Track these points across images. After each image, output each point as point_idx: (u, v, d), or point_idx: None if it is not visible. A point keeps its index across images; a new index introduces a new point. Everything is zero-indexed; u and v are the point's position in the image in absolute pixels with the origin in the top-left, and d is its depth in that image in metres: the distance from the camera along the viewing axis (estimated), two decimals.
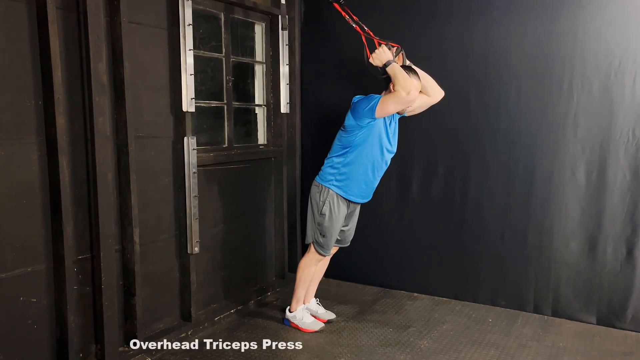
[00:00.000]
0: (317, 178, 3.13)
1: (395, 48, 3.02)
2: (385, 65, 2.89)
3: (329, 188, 3.06)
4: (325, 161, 3.13)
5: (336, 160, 3.06)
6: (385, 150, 3.05)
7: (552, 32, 3.27)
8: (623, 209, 3.20)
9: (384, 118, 2.99)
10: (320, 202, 3.09)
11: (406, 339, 3.15)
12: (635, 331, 3.22)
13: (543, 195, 3.40)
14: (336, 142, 3.09)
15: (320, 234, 3.13)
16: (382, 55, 2.92)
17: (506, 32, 3.39)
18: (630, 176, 3.17)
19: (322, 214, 3.09)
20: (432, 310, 3.60)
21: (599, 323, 3.32)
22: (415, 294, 3.89)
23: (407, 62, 3.06)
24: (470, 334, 3.22)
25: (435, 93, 3.12)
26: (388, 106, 2.89)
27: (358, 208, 3.26)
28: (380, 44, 3.00)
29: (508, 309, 3.58)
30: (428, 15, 3.57)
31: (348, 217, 3.21)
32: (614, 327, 3.27)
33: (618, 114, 3.16)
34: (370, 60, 2.97)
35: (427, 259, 3.82)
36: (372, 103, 2.90)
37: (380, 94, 2.99)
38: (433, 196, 3.74)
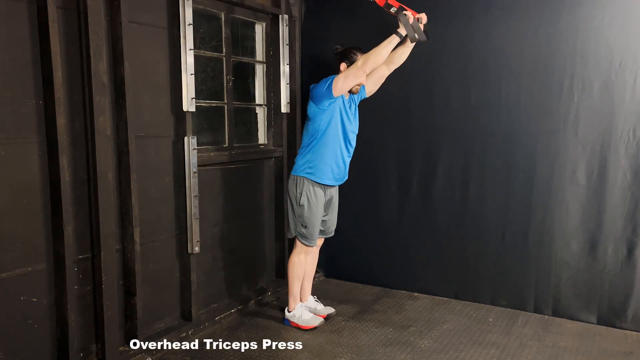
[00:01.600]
0: (292, 171, 3.22)
1: (420, 17, 3.02)
2: (394, 33, 2.97)
3: (303, 177, 3.14)
4: (298, 152, 3.23)
5: (305, 150, 3.16)
6: (349, 131, 3.17)
7: (552, 32, 3.27)
8: (623, 208, 3.20)
9: (343, 100, 3.10)
10: (298, 194, 3.16)
11: (406, 339, 3.15)
12: (636, 331, 3.22)
13: (543, 195, 3.40)
14: (304, 134, 3.21)
15: (302, 225, 3.19)
16: (404, 19, 2.98)
17: (506, 32, 3.39)
18: (631, 176, 3.17)
19: (300, 205, 3.16)
20: (433, 309, 3.60)
21: (599, 323, 3.32)
22: (416, 294, 3.89)
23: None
24: (471, 334, 3.22)
25: (393, 68, 3.22)
26: (339, 80, 3.01)
27: (336, 196, 3.33)
28: (398, 16, 3.00)
29: (508, 309, 3.58)
30: (428, 15, 3.56)
31: (327, 206, 3.27)
32: (615, 326, 3.27)
33: (618, 113, 3.16)
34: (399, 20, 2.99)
35: (427, 258, 3.82)
36: (328, 83, 3.05)
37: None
38: (433, 196, 3.74)
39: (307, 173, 3.14)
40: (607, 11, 3.13)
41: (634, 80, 3.10)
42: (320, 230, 3.30)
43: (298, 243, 3.27)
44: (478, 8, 3.46)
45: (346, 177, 3.28)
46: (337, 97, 3.06)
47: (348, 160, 3.23)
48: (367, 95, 3.32)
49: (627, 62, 3.11)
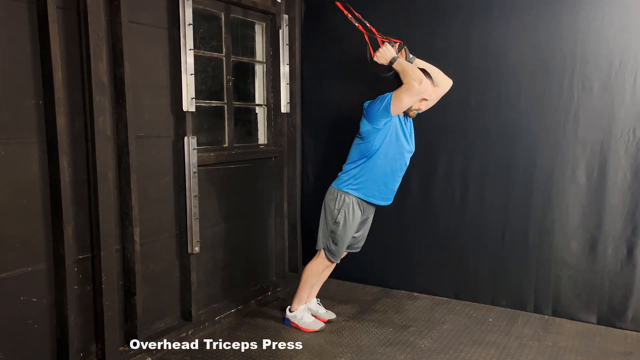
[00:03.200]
0: (334, 183, 3.09)
1: (397, 44, 3.01)
2: (391, 62, 2.90)
3: (346, 193, 3.02)
4: (343, 167, 3.09)
5: (353, 166, 3.02)
6: (405, 151, 3.03)
7: (552, 32, 3.27)
8: (623, 208, 3.20)
9: (399, 118, 2.97)
10: (335, 211, 3.05)
11: (406, 339, 3.15)
12: (636, 331, 3.22)
13: (543, 195, 3.40)
14: (353, 150, 3.05)
15: (333, 241, 3.10)
16: (386, 53, 2.93)
17: (507, 32, 3.39)
18: (631, 176, 3.16)
19: (336, 223, 3.06)
20: (433, 309, 3.60)
21: (599, 323, 3.32)
22: (416, 294, 3.89)
23: (411, 56, 3.06)
24: (471, 334, 3.22)
25: (443, 82, 3.10)
26: (403, 100, 2.84)
27: (372, 215, 3.24)
28: (383, 42, 3.00)
29: (508, 309, 3.58)
30: (428, 14, 3.57)
31: (361, 223, 3.18)
32: (615, 326, 3.27)
33: (618, 113, 3.16)
34: (375, 58, 2.97)
35: (427, 258, 3.82)
36: (385, 101, 2.87)
37: (384, 93, 2.97)
38: (433, 196, 3.74)
39: (352, 189, 3.01)
40: (607, 11, 3.13)
41: (634, 80, 3.10)
42: (348, 245, 3.21)
43: (322, 255, 3.17)
44: (478, 8, 3.46)
45: (391, 201, 3.15)
46: (394, 115, 2.91)
47: (398, 181, 3.09)
48: (421, 111, 3.10)
49: (627, 62, 3.11)
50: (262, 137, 3.98)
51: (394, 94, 2.86)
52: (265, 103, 3.93)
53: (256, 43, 3.86)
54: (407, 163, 3.09)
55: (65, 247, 2.49)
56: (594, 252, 3.31)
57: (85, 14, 2.51)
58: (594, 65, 3.19)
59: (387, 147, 2.96)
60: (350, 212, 3.04)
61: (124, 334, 2.91)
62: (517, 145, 3.44)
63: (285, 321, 3.34)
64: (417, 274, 3.88)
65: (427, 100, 3.01)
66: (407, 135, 3.05)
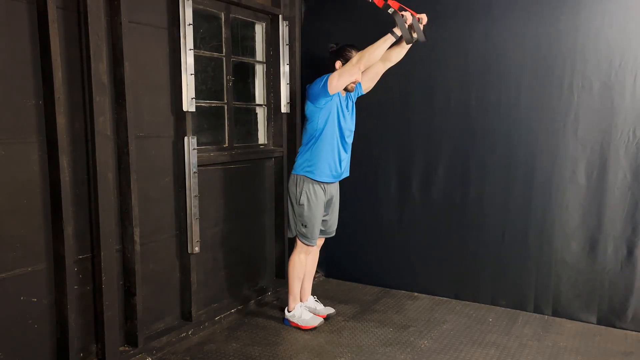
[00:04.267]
0: (292, 171, 3.23)
1: (418, 17, 2.98)
2: (393, 14, 2.92)
3: (303, 176, 3.15)
4: (298, 151, 3.24)
5: (304, 149, 3.17)
6: (345, 129, 3.18)
7: (552, 32, 3.27)
8: (623, 208, 3.20)
9: (339, 99, 3.12)
10: (298, 193, 3.17)
11: (406, 339, 3.15)
12: (636, 331, 3.22)
13: (543, 195, 3.40)
14: (303, 135, 3.22)
15: (302, 224, 3.19)
16: (400, 20, 2.94)
17: (507, 32, 3.39)
18: (631, 176, 3.16)
19: (300, 204, 3.16)
20: (433, 309, 3.60)
21: (599, 323, 3.32)
22: (416, 294, 3.89)
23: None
24: (471, 334, 3.22)
25: (389, 65, 3.19)
26: (334, 78, 3.01)
27: (337, 196, 3.33)
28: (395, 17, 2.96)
29: (508, 309, 3.58)
30: (428, 14, 3.56)
31: (327, 205, 3.27)
32: (615, 326, 3.27)
33: (619, 113, 3.16)
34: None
35: (427, 258, 3.82)
36: (323, 81, 3.05)
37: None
38: (433, 196, 3.74)
39: (306, 171, 3.15)
40: (607, 11, 3.13)
41: (634, 80, 3.10)
42: (321, 230, 3.30)
43: (298, 242, 3.27)
44: (478, 8, 3.46)
45: (345, 174, 3.28)
46: (334, 95, 3.06)
47: (346, 157, 3.24)
48: (363, 92, 3.31)
49: (627, 62, 3.11)
50: (262, 137, 3.98)
51: (330, 75, 3.04)
52: (265, 103, 3.93)
53: (256, 43, 3.87)
54: (350, 141, 3.24)
55: (65, 247, 2.49)
56: (594, 252, 3.31)
57: (85, 14, 2.51)
58: (594, 65, 3.19)
59: (332, 126, 3.12)
60: (311, 192, 3.15)
61: (124, 334, 2.90)
62: (517, 146, 3.44)
63: (285, 321, 3.34)
64: (417, 274, 3.88)
65: (358, 81, 3.13)
66: (348, 114, 3.21)
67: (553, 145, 3.34)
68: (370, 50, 2.92)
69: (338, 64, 3.13)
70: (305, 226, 3.19)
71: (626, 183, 3.18)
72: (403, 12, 2.94)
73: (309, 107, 3.13)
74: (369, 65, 3.03)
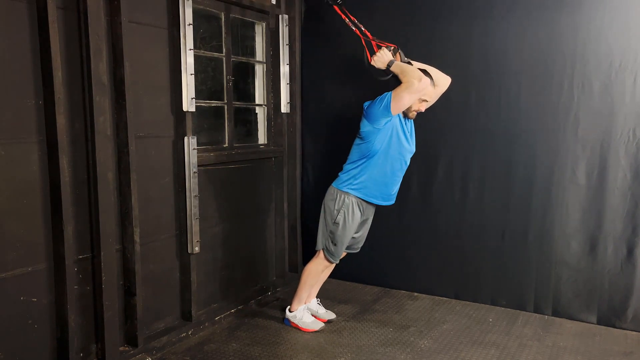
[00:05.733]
0: (334, 183, 3.08)
1: (392, 48, 3.03)
2: (389, 65, 2.92)
3: (345, 194, 3.01)
4: (344, 167, 3.09)
5: (354, 166, 3.02)
6: (405, 151, 3.02)
7: (552, 32, 3.27)
8: (624, 208, 3.20)
9: (399, 118, 2.97)
10: (335, 211, 3.04)
11: (406, 339, 3.15)
12: (636, 331, 3.22)
13: (543, 195, 3.40)
14: (354, 150, 3.04)
15: (332, 242, 3.10)
16: (383, 57, 2.96)
17: (507, 32, 3.39)
18: (631, 176, 3.17)
19: (335, 223, 3.05)
20: (433, 309, 3.60)
21: (599, 323, 3.32)
22: (416, 294, 3.89)
23: (406, 59, 3.07)
24: (471, 334, 3.22)
25: (441, 81, 3.09)
26: (403, 98, 2.84)
27: (372, 216, 3.23)
28: (379, 47, 3.02)
29: (508, 309, 3.58)
30: (428, 15, 3.57)
31: (361, 224, 3.18)
32: (615, 326, 3.27)
33: (618, 113, 3.16)
34: (372, 63, 3.00)
35: (427, 258, 3.82)
36: (385, 101, 2.86)
37: (384, 93, 2.97)
38: (433, 196, 3.74)
39: (352, 189, 3.00)
40: (607, 11, 3.13)
41: (634, 80, 3.10)
42: (347, 246, 3.20)
43: (321, 255, 3.17)
44: (478, 8, 3.46)
45: (393, 201, 3.15)
46: (395, 115, 2.90)
47: (398, 181, 3.09)
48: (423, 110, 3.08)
49: (627, 62, 3.11)
50: (262, 137, 3.98)
51: (394, 92, 2.86)
52: (265, 103, 3.93)
53: (256, 43, 3.86)
54: (408, 163, 3.09)
55: (65, 247, 2.49)
56: (594, 252, 3.31)
57: (85, 14, 2.51)
58: (594, 65, 3.19)
59: (388, 147, 2.96)
60: (349, 213, 3.03)
61: (124, 334, 2.90)
62: (517, 145, 3.44)
63: (285, 321, 3.34)
64: (417, 274, 3.88)
65: (426, 101, 3.01)
66: (408, 135, 3.04)
67: (553, 145, 3.34)
68: (410, 74, 2.81)
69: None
70: (335, 245, 3.09)
71: (626, 183, 3.18)
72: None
73: (366, 126, 2.93)
74: (428, 78, 2.89)
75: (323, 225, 3.12)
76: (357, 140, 3.04)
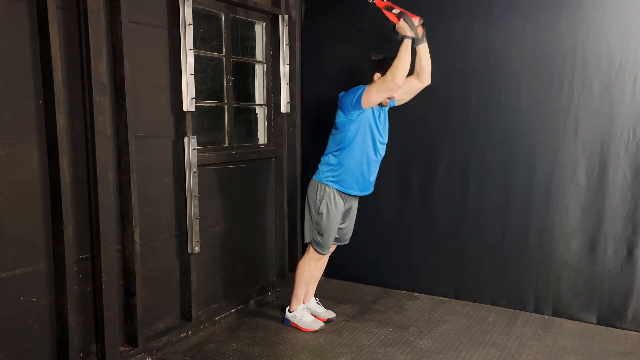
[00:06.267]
0: (314, 176, 3.16)
1: (419, 19, 3.00)
2: (404, 37, 2.92)
3: (325, 185, 3.09)
4: (322, 159, 3.16)
5: (331, 157, 3.10)
6: (377, 142, 3.10)
7: (552, 32, 3.27)
8: (624, 208, 3.20)
9: (372, 110, 3.04)
10: (317, 201, 3.11)
11: (406, 339, 3.15)
12: (636, 331, 3.22)
13: (543, 195, 3.40)
14: (330, 141, 3.13)
15: (319, 233, 3.15)
16: (406, 30, 2.94)
17: (507, 32, 3.39)
18: (631, 176, 3.17)
19: (319, 213, 3.11)
20: (433, 309, 3.60)
21: (599, 323, 3.32)
22: (416, 294, 3.89)
23: (424, 39, 3.04)
24: (471, 334, 3.22)
25: (426, 79, 3.14)
26: (372, 94, 2.94)
27: (355, 205, 3.27)
28: (401, 14, 2.97)
29: (508, 309, 3.58)
30: (428, 15, 3.56)
31: (345, 214, 3.22)
32: (615, 326, 3.27)
33: (618, 113, 3.16)
34: (397, 27, 2.98)
35: (427, 258, 3.82)
36: (357, 94, 2.96)
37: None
38: (433, 196, 3.74)
39: (331, 181, 3.07)
40: (607, 11, 3.13)
41: (634, 80, 3.10)
42: (335, 238, 3.25)
43: (311, 249, 3.23)
44: (478, 8, 3.46)
45: (371, 190, 3.21)
46: (366, 108, 2.98)
47: (375, 171, 3.15)
48: (396, 104, 3.21)
49: (627, 62, 3.11)
50: (262, 137, 3.98)
51: (367, 88, 2.95)
52: (265, 103, 3.93)
53: (256, 43, 3.86)
54: (383, 154, 3.15)
55: (65, 247, 2.49)
56: (594, 252, 3.31)
57: (85, 14, 2.51)
58: (594, 65, 3.19)
59: (362, 137, 3.03)
60: (332, 202, 3.09)
61: (123, 334, 2.90)
62: (517, 145, 3.44)
63: (285, 321, 3.34)
64: (417, 274, 3.88)
65: (393, 97, 3.07)
66: (380, 126, 3.10)
67: (553, 145, 3.34)
68: (400, 62, 2.85)
69: (377, 76, 3.03)
70: (322, 235, 3.14)
71: (626, 183, 3.18)
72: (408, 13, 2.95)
73: (340, 117, 3.04)
74: (404, 77, 2.91)
75: (308, 217, 3.19)
76: (333, 131, 3.13)
